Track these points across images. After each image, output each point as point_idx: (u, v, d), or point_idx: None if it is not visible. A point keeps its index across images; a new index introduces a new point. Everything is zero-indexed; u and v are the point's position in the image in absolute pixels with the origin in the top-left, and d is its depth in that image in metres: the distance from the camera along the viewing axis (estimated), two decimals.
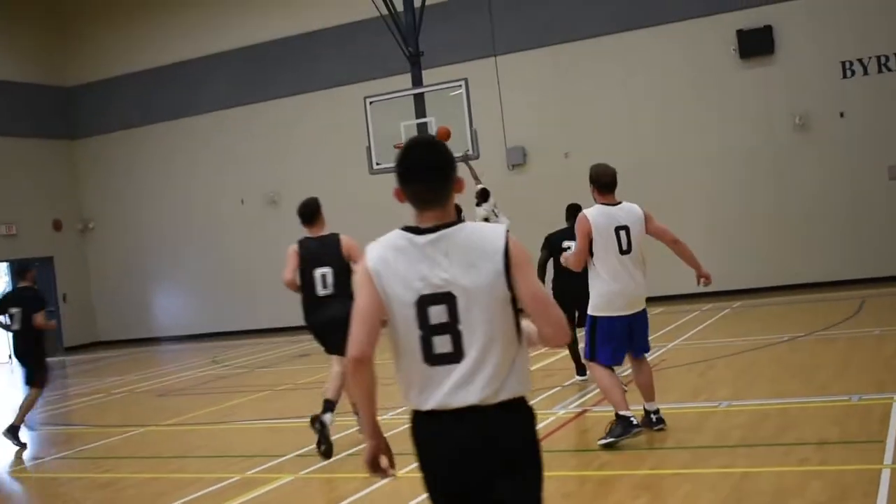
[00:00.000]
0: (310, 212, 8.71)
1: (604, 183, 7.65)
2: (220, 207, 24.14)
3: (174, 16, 24.62)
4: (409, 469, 7.53)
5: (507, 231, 3.20)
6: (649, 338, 7.92)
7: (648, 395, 7.83)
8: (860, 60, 18.02)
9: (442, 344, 3.11)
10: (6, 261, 24.34)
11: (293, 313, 22.71)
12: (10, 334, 11.42)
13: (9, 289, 11.47)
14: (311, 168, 22.87)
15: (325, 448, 8.23)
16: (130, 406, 13.53)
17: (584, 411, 9.01)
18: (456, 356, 3.11)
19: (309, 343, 19.46)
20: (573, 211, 11.34)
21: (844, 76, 18.14)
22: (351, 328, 3.20)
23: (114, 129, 25.68)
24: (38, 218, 25.05)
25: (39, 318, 11.11)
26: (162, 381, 15.88)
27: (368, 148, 16.06)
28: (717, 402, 8.74)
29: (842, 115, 18.15)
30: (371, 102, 16.22)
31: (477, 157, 15.24)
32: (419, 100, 16.10)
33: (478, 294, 3.09)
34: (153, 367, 18.47)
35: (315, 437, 8.28)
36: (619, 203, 7.67)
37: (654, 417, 7.80)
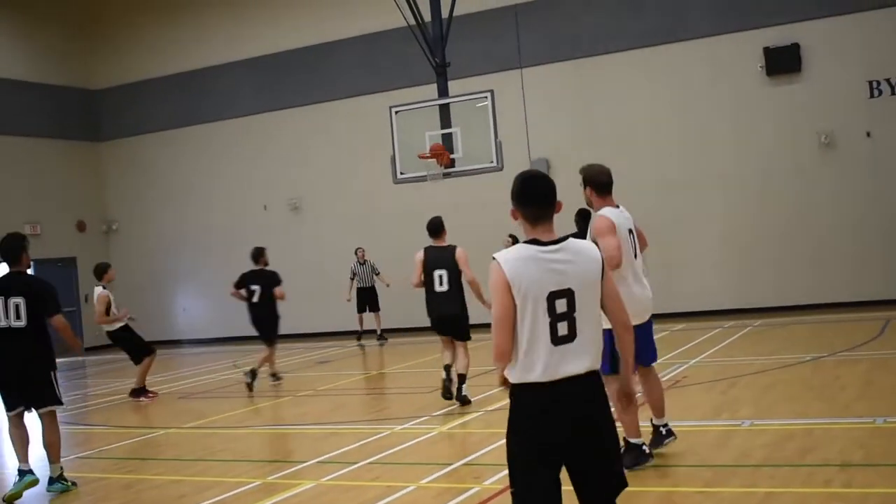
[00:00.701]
0: (435, 228, 11.16)
1: (603, 183, 7.18)
2: (243, 213, 24.26)
3: (200, 22, 24.82)
4: (430, 479, 7.57)
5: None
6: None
7: (659, 411, 7.55)
8: (888, 80, 17.94)
9: (563, 328, 4.02)
10: (31, 260, 24.48)
11: (313, 320, 22.91)
12: (249, 304, 14.31)
13: (246, 270, 14.47)
14: (334, 176, 22.98)
15: (447, 394, 10.90)
16: (151, 407, 13.59)
17: None
18: (571, 337, 4.03)
19: (329, 350, 19.59)
20: (584, 215, 11.39)
21: (871, 96, 18.07)
22: (494, 330, 4.06)
23: (139, 132, 25.90)
24: (63, 218, 25.27)
25: (279, 291, 14.13)
26: (183, 384, 15.95)
27: (393, 157, 16.08)
28: (739, 420, 8.70)
29: (868, 134, 18.08)
30: (396, 112, 16.24)
31: (501, 169, 15.27)
32: (444, 110, 16.11)
33: (586, 289, 4.08)
34: (174, 370, 18.56)
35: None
36: (619, 206, 7.25)
37: (663, 430, 7.54)
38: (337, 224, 22.74)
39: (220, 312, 24.79)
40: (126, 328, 14.25)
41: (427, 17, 17.43)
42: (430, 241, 11.16)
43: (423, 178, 15.98)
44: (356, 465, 8.30)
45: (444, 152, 15.35)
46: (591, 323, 4.10)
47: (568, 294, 4.02)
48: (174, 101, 25.25)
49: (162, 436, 11.06)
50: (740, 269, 18.87)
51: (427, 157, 15.39)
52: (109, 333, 14.27)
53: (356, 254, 20.23)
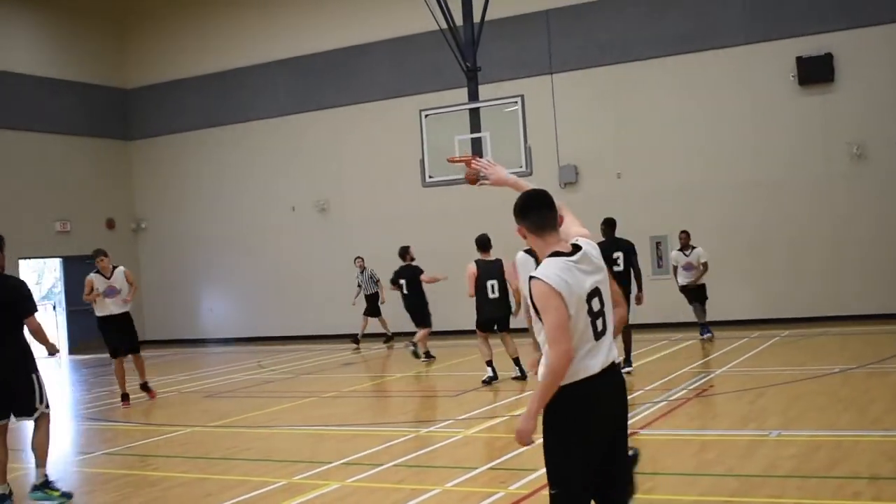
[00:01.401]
0: (484, 243, 13.32)
1: None
2: (271, 213, 24.37)
3: (232, 23, 24.96)
4: (455, 483, 7.55)
5: None
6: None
7: None
8: None
9: (599, 324, 4.38)
10: (60, 257, 24.77)
11: (337, 322, 22.96)
12: (402, 295, 16.57)
13: (397, 267, 16.83)
14: (362, 178, 23.03)
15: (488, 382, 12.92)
16: (177, 406, 13.66)
17: (633, 433, 8.92)
18: (605, 331, 4.41)
19: (352, 352, 19.61)
20: (610, 223, 12.72)
21: None
22: (556, 339, 4.21)
23: (169, 131, 26.09)
24: (92, 216, 25.48)
25: (426, 277, 16.34)
26: (208, 383, 16.02)
27: (422, 160, 16.08)
28: (767, 430, 8.63)
29: None
30: (426, 115, 16.23)
31: (530, 174, 15.23)
32: (474, 114, 16.07)
33: (605, 287, 4.46)
34: (199, 369, 18.65)
35: None
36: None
37: None
38: (364, 226, 22.78)
39: (246, 312, 24.94)
40: (110, 319, 13.62)
41: (459, 20, 17.42)
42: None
43: (451, 182, 15.95)
44: (381, 468, 8.31)
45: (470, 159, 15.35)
46: (611, 317, 4.51)
47: (598, 293, 4.39)
48: (205, 101, 25.41)
49: (187, 434, 11.10)
50: (769, 279, 18.74)
51: (456, 161, 15.35)
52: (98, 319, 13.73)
53: (355, 263, 20.42)
